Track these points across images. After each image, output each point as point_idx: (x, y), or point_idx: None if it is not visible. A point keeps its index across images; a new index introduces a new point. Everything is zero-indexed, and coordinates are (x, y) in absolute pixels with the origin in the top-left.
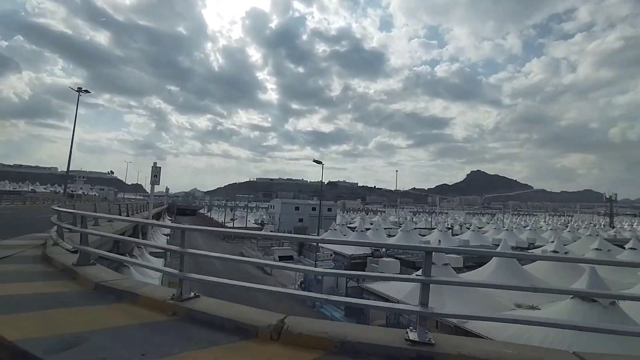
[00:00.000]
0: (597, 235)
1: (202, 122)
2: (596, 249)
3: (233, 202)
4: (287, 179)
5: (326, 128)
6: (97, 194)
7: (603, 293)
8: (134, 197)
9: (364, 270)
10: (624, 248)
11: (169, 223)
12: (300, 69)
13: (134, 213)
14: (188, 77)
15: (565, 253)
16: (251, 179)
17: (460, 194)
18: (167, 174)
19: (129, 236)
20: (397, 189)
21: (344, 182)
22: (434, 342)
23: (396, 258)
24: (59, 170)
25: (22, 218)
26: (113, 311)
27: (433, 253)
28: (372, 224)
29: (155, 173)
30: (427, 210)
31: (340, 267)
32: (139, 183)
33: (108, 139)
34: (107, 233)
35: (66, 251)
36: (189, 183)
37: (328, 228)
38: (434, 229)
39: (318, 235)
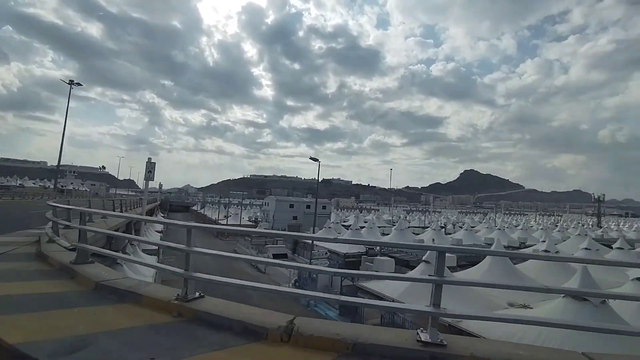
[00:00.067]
0: (586, 235)
1: (196, 117)
2: (585, 248)
3: (227, 199)
4: (281, 176)
5: (321, 125)
6: (88, 190)
7: (597, 292)
8: (126, 193)
9: (359, 269)
10: (611, 248)
11: (166, 219)
12: (296, 66)
13: (128, 209)
14: (182, 71)
15: (556, 252)
16: (245, 176)
17: (453, 193)
18: (160, 170)
19: (122, 233)
20: (391, 187)
21: (339, 180)
22: (445, 343)
23: (390, 257)
24: (49, 164)
25: (11, 214)
26: (116, 312)
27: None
28: (366, 222)
29: (150, 169)
30: (420, 209)
31: (335, 266)
32: (131, 179)
33: (100, 133)
34: (107, 230)
35: (63, 249)
36: (182, 179)
37: (323, 226)
38: (428, 227)
39: (313, 233)
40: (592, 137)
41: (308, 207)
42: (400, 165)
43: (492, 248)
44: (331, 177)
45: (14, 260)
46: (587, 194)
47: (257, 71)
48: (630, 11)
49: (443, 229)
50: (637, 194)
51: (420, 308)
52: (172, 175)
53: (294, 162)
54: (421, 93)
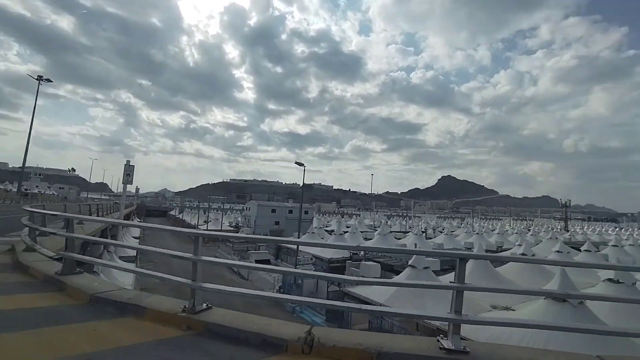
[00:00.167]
0: (557, 238)
1: (175, 119)
2: (557, 251)
3: (206, 203)
4: (262, 181)
5: (302, 130)
6: (55, 194)
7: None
8: (99, 197)
9: (343, 274)
10: (580, 250)
11: (171, 227)
12: (279, 69)
13: (105, 214)
14: (161, 71)
15: (533, 255)
16: (224, 180)
17: (431, 198)
18: (135, 173)
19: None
20: (372, 192)
21: (320, 184)
22: (469, 350)
23: (375, 261)
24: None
25: None
26: (119, 327)
27: (414, 256)
28: (348, 227)
29: (128, 172)
30: (400, 214)
31: (320, 271)
32: (104, 182)
33: (69, 134)
34: (98, 237)
35: (44, 258)
36: (158, 183)
37: (306, 231)
38: (409, 232)
39: (299, 238)
40: (558, 146)
41: (290, 212)
42: (380, 171)
43: (475, 252)
44: (312, 182)
45: None
46: (554, 199)
47: (238, 73)
48: (591, 30)
49: (424, 234)
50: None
51: (441, 315)
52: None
53: (275, 166)
54: (401, 100)
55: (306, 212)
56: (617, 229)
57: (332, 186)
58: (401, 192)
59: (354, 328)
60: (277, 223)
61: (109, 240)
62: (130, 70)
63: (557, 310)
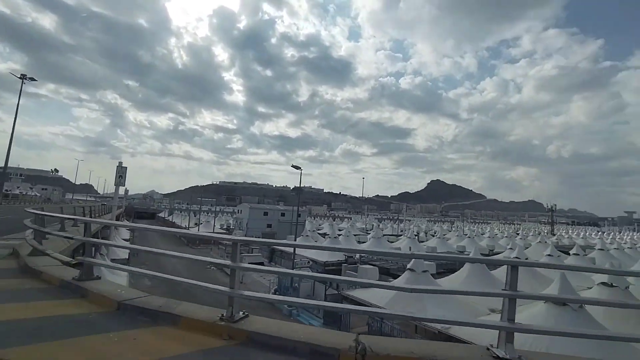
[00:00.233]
0: (546, 242)
1: (163, 120)
2: (549, 255)
3: (196, 206)
4: (252, 183)
5: (293, 133)
6: (38, 194)
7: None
8: (85, 198)
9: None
10: (568, 254)
11: (205, 232)
12: (268, 72)
13: (97, 216)
14: (148, 72)
15: (526, 258)
16: (214, 182)
17: (421, 202)
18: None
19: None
20: (362, 195)
21: (310, 187)
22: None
23: (372, 265)
24: None
25: None
26: (159, 336)
27: (413, 260)
28: (340, 230)
29: (121, 173)
30: (390, 217)
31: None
32: (89, 183)
33: (52, 134)
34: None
35: (55, 262)
36: (146, 185)
37: (300, 234)
38: (401, 235)
39: (295, 241)
40: (541, 151)
41: (283, 214)
42: (370, 174)
43: (471, 255)
44: (303, 185)
45: None
46: (539, 203)
47: (228, 76)
48: (569, 41)
49: (417, 237)
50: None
51: (493, 323)
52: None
53: (265, 169)
54: (391, 105)
55: (299, 215)
56: (600, 233)
57: (323, 189)
58: (391, 196)
59: (353, 331)
60: (269, 226)
61: (129, 245)
62: (116, 71)
63: (558, 313)
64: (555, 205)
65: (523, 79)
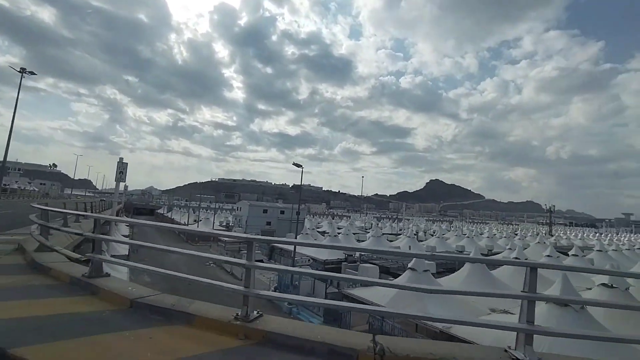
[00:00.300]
0: (545, 243)
1: (162, 116)
2: (548, 255)
3: (196, 202)
4: (251, 181)
5: (292, 131)
6: (36, 189)
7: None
8: (83, 194)
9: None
10: (567, 255)
11: (224, 231)
12: (269, 70)
13: (98, 212)
14: (148, 68)
15: (526, 259)
16: (213, 179)
17: (419, 201)
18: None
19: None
20: (361, 194)
21: (309, 185)
22: None
23: (372, 263)
24: None
25: None
26: (174, 336)
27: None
28: (339, 228)
29: (121, 169)
30: (389, 216)
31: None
32: (88, 179)
33: (50, 128)
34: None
35: (62, 259)
36: (145, 181)
37: (299, 232)
38: (400, 234)
39: (296, 238)
40: (541, 152)
41: (282, 212)
42: (369, 173)
43: (471, 255)
44: (302, 183)
45: (6, 273)
46: (538, 204)
47: (228, 73)
48: (570, 43)
49: (416, 236)
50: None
51: (512, 325)
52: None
53: (264, 166)
54: (390, 104)
55: (298, 214)
56: (598, 234)
57: (322, 187)
58: (390, 195)
59: (353, 329)
60: (268, 223)
61: (135, 242)
62: (116, 66)
63: (560, 314)
64: (554, 206)
65: (523, 80)
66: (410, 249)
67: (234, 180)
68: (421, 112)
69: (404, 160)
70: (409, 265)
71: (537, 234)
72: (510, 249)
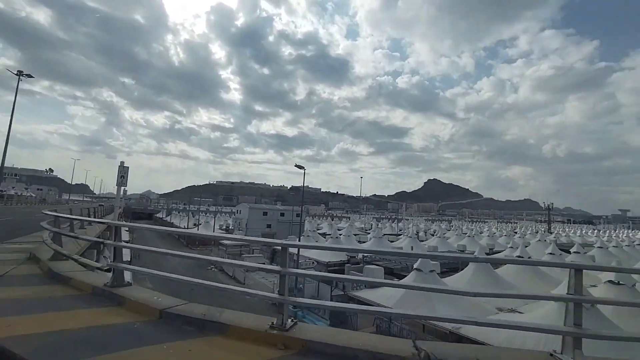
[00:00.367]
0: (545, 240)
1: (159, 119)
2: (550, 253)
3: (195, 206)
4: (249, 183)
5: (290, 132)
6: (33, 195)
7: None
8: (81, 199)
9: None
10: (569, 252)
11: (251, 237)
12: (266, 71)
13: (101, 217)
14: (145, 70)
15: (529, 257)
16: (211, 182)
17: (418, 201)
18: (116, 174)
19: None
20: (359, 195)
21: (307, 187)
22: None
23: (375, 264)
24: None
25: None
26: (213, 347)
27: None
28: (339, 230)
29: (123, 173)
30: (388, 217)
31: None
32: (85, 183)
33: (46, 132)
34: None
35: (79, 267)
36: (142, 184)
37: (300, 234)
38: (400, 235)
39: (299, 241)
40: (537, 151)
41: (282, 214)
42: (367, 174)
43: (476, 255)
44: (300, 185)
45: (25, 284)
46: (535, 202)
47: (225, 74)
48: (565, 42)
49: (417, 237)
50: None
51: (559, 328)
52: (131, 180)
53: (262, 168)
54: (387, 104)
55: (298, 215)
56: (597, 231)
57: (320, 189)
58: (388, 195)
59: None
60: (268, 226)
61: (173, 251)
62: (112, 68)
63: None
64: (552, 203)
65: (519, 79)
66: (412, 249)
67: (232, 182)
68: (418, 112)
69: (401, 160)
70: (415, 266)
71: (537, 232)
72: (511, 247)
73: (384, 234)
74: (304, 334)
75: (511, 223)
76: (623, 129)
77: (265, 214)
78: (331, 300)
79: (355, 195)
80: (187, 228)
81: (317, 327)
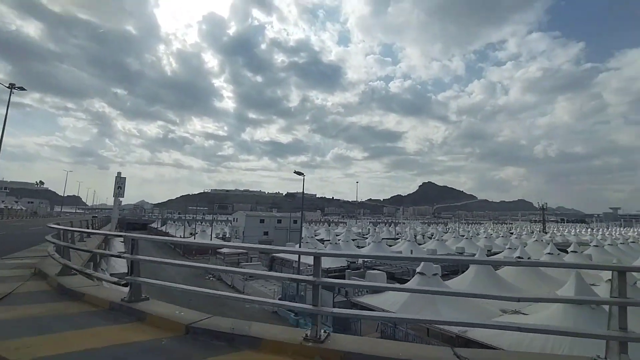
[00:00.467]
0: (542, 241)
1: (152, 129)
2: (549, 253)
3: (190, 215)
4: (244, 191)
5: (284, 139)
6: (24, 208)
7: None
8: (73, 211)
9: None
10: (566, 252)
11: (272, 246)
12: (259, 78)
13: (98, 228)
14: (137, 80)
15: (528, 258)
16: (205, 191)
17: (413, 204)
18: (110, 185)
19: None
20: (355, 200)
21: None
22: None
23: (377, 269)
24: None
25: None
26: None
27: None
28: (337, 235)
29: (120, 184)
30: (384, 221)
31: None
32: (77, 195)
33: (37, 144)
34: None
35: (90, 282)
36: (136, 195)
37: (298, 240)
38: (398, 239)
39: (300, 247)
40: (529, 151)
41: (279, 221)
42: (362, 178)
43: (476, 257)
44: (295, 191)
45: (37, 302)
46: (529, 202)
47: (218, 82)
48: (552, 44)
49: (415, 240)
50: (566, 201)
51: (603, 332)
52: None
53: (257, 175)
54: (381, 108)
55: (295, 222)
56: (590, 230)
57: (315, 194)
58: (384, 199)
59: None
60: (265, 233)
61: (177, 262)
62: (104, 79)
63: (577, 313)
64: (546, 203)
65: (509, 81)
66: (412, 252)
67: (227, 190)
68: (411, 116)
69: (395, 164)
70: (418, 270)
71: (532, 232)
72: (510, 248)
73: (382, 239)
74: (341, 345)
75: (506, 224)
76: (610, 128)
77: (262, 221)
78: (334, 306)
79: (351, 200)
80: (184, 237)
81: (352, 337)
